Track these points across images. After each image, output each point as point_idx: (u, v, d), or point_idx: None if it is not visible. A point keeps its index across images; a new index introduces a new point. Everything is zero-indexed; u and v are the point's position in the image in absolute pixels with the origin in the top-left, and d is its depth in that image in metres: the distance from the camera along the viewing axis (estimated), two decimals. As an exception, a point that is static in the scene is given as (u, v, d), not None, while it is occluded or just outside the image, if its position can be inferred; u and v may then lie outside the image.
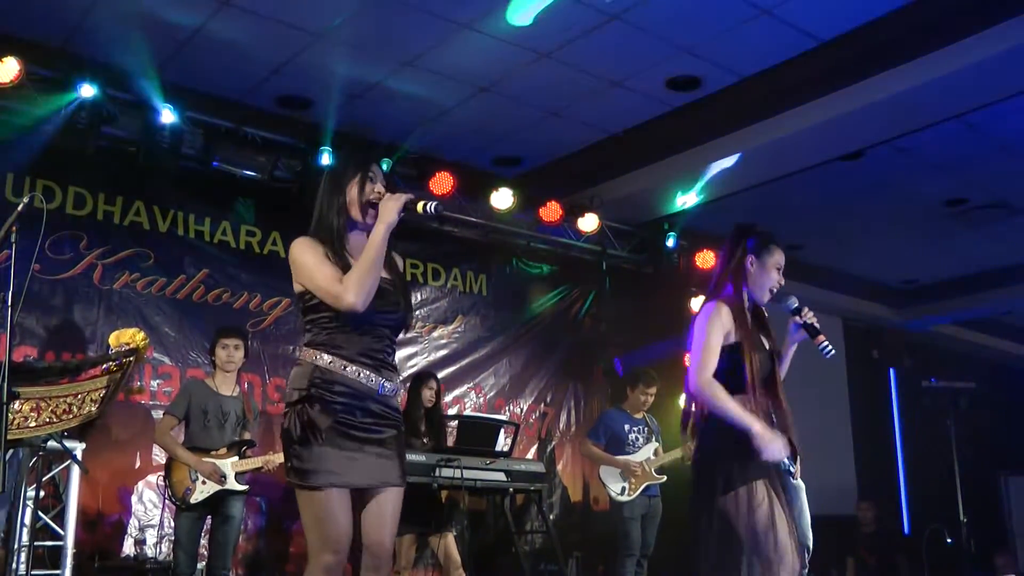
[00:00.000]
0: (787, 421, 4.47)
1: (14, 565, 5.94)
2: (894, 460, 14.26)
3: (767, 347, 4.56)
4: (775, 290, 4.61)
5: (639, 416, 8.55)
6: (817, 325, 4.62)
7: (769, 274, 4.58)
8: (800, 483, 6.12)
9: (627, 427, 8.43)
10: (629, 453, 8.28)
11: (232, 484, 6.86)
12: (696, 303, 10.79)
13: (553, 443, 10.50)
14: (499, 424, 8.10)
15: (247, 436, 7.15)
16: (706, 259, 10.74)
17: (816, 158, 9.19)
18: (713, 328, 4.36)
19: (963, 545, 9.46)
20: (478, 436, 7.69)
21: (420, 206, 3.64)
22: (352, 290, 3.50)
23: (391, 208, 3.60)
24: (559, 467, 10.47)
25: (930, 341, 15.38)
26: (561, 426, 10.65)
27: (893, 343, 14.90)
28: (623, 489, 8.17)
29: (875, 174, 9.73)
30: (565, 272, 10.97)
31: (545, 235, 10.44)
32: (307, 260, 3.64)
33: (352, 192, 3.74)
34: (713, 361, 4.31)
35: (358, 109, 8.65)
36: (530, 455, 10.04)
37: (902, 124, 8.45)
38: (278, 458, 7.17)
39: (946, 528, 10.57)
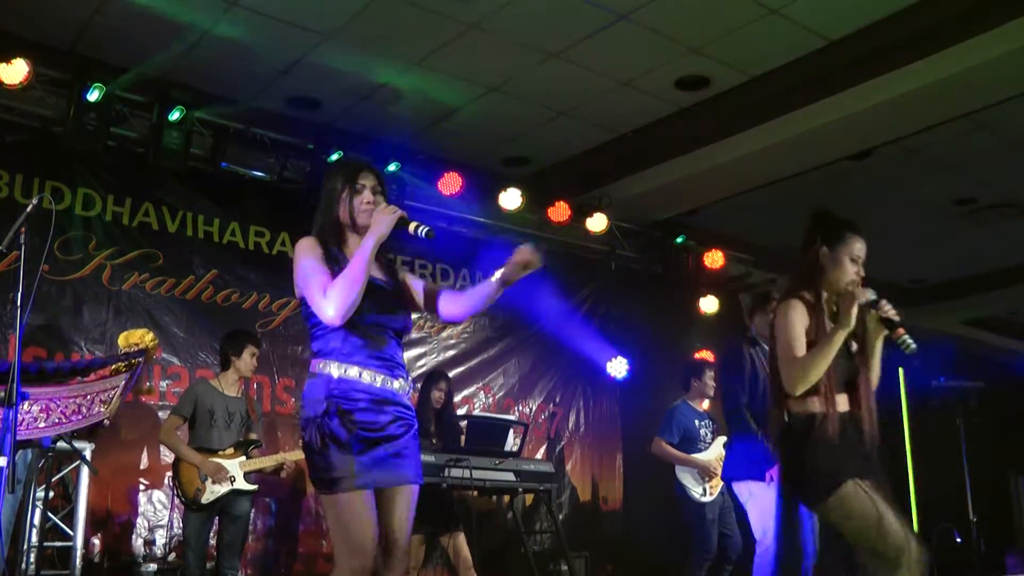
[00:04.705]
0: (865, 427, 4.15)
1: (23, 565, 5.96)
2: (903, 459, 14.21)
3: (852, 348, 4.25)
4: (853, 284, 4.23)
5: (703, 409, 8.23)
6: (896, 318, 4.20)
7: (843, 267, 4.26)
8: None
9: (696, 422, 8.11)
10: (700, 450, 7.97)
11: (241, 484, 6.88)
12: (705, 303, 10.82)
13: (562, 443, 10.49)
14: (508, 424, 8.09)
15: (253, 436, 7.17)
16: (715, 259, 10.73)
17: (824, 157, 9.18)
18: (792, 324, 4.14)
19: (973, 544, 9.44)
20: (487, 436, 7.68)
21: (412, 227, 3.66)
22: (333, 304, 3.53)
23: (383, 222, 3.63)
24: (568, 467, 10.45)
25: (939, 340, 15.34)
26: (570, 426, 10.64)
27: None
28: (704, 490, 7.85)
29: (883, 173, 9.72)
30: (574, 272, 10.96)
31: (554, 235, 10.44)
32: (302, 264, 3.68)
33: (343, 203, 3.78)
34: (802, 348, 4.08)
35: (366, 109, 8.67)
36: (539, 455, 10.02)
37: (910, 123, 8.44)
38: (292, 456, 7.22)
39: (955, 527, 10.54)
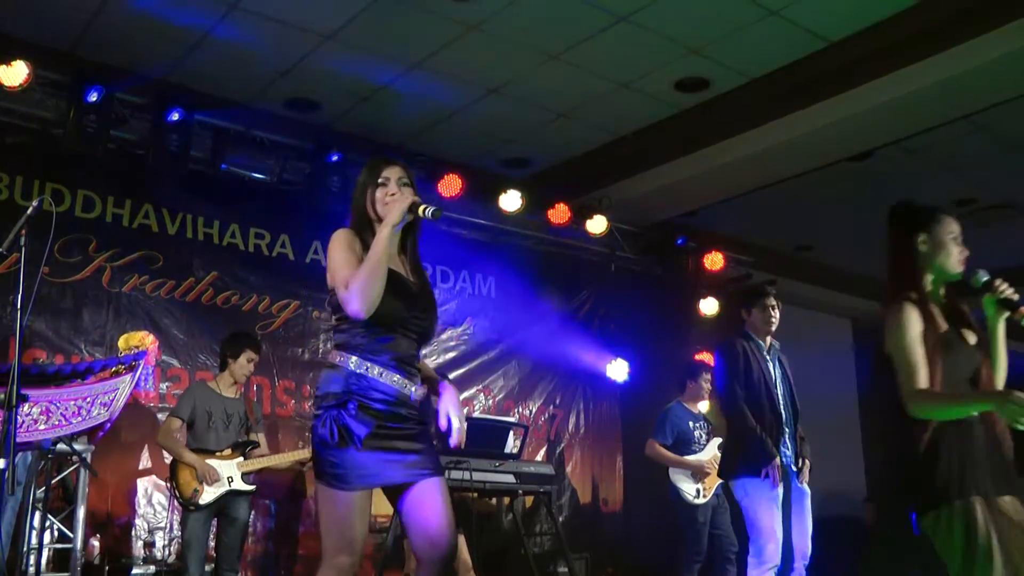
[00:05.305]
0: (996, 432, 3.64)
1: (23, 567, 5.95)
2: (904, 461, 14.18)
3: (972, 342, 3.83)
4: (961, 265, 3.87)
5: (698, 411, 8.25)
6: (1015, 297, 3.83)
7: (947, 248, 3.84)
8: (806, 488, 6.09)
9: (691, 423, 8.14)
10: (695, 451, 7.99)
11: (239, 484, 6.88)
12: (705, 305, 10.79)
13: (562, 445, 10.49)
14: (508, 426, 8.08)
15: (252, 437, 7.17)
16: (715, 260, 10.71)
17: (825, 159, 9.18)
18: (907, 329, 3.67)
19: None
20: (487, 438, 7.67)
21: (421, 210, 3.67)
22: (356, 299, 3.51)
23: (395, 210, 3.64)
24: (568, 469, 10.46)
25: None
26: (570, 428, 10.64)
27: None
28: (698, 491, 7.88)
29: (884, 175, 9.72)
30: (574, 274, 10.96)
31: (554, 237, 10.43)
32: (334, 256, 3.67)
33: (368, 198, 3.80)
34: (922, 366, 3.61)
35: (366, 111, 8.67)
36: (539, 457, 10.02)
37: (910, 125, 8.44)
38: (297, 455, 7.25)
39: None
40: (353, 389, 3.57)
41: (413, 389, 3.69)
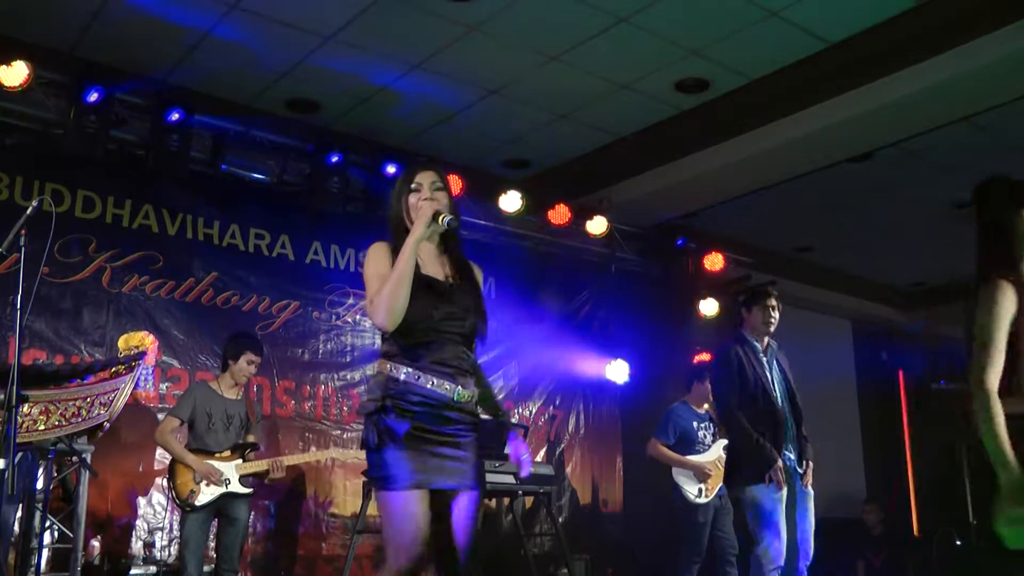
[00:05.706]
0: None
1: (23, 568, 5.95)
2: (903, 462, 14.21)
3: None
4: None
5: (703, 410, 8.25)
6: None
7: None
8: (810, 490, 6.09)
9: (695, 424, 8.14)
10: (699, 452, 8.01)
11: (236, 486, 6.88)
12: (705, 305, 10.78)
13: (562, 445, 10.48)
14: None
15: (251, 439, 7.17)
16: (715, 261, 10.71)
17: (825, 160, 9.18)
18: (996, 310, 3.32)
19: (972, 547, 9.42)
20: (487, 438, 7.63)
21: (440, 219, 3.72)
22: (378, 314, 3.60)
23: (418, 226, 3.68)
24: (568, 469, 10.45)
25: (939, 343, 15.32)
26: (570, 429, 10.63)
27: (902, 345, 14.86)
28: (700, 491, 7.88)
29: (884, 176, 9.71)
30: (574, 274, 10.95)
31: (554, 237, 10.42)
32: (365, 273, 3.75)
33: (403, 204, 3.85)
34: (998, 356, 3.26)
35: (366, 112, 8.67)
36: (539, 458, 10.00)
37: (911, 126, 8.44)
38: (289, 459, 7.25)
39: (955, 530, 10.54)
40: (392, 393, 3.61)
41: (459, 390, 3.69)
